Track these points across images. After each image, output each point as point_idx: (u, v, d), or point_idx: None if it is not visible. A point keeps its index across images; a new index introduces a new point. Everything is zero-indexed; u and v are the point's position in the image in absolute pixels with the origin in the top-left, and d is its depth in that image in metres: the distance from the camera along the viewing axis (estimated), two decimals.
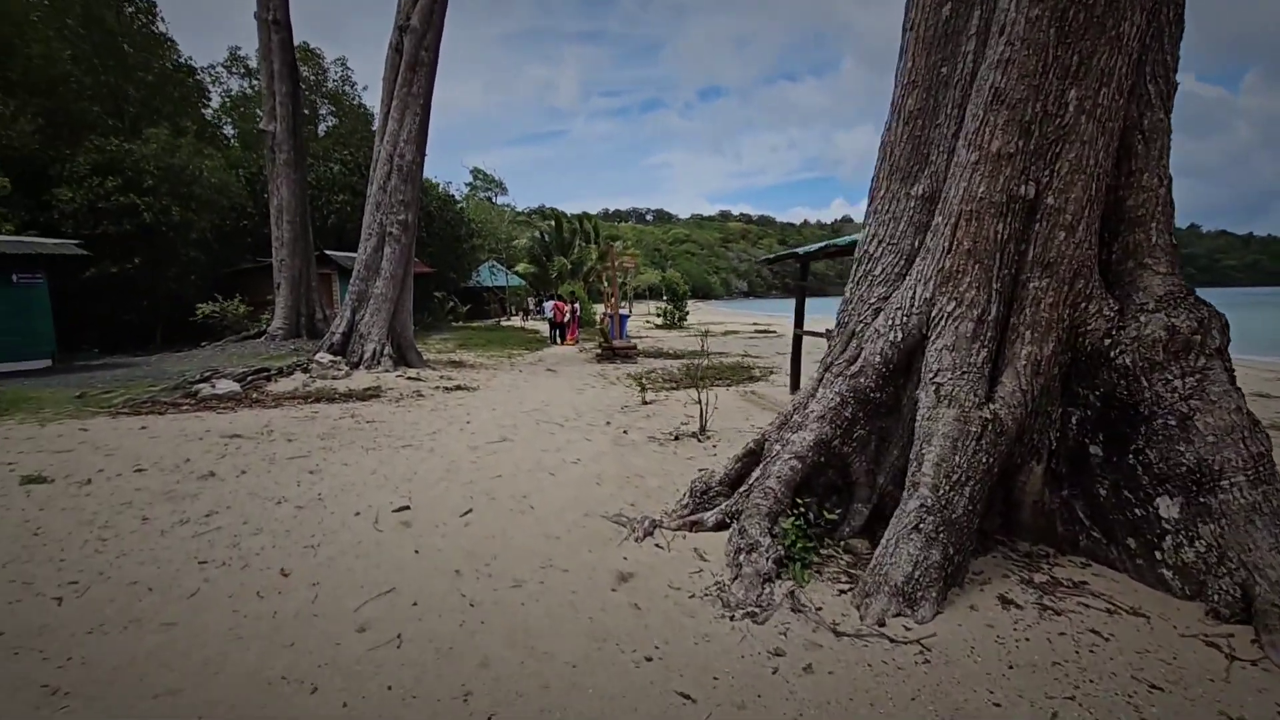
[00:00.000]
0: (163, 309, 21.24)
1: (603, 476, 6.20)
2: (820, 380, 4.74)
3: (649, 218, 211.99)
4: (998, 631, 3.34)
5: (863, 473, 4.59)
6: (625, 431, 8.27)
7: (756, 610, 3.59)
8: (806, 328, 10.67)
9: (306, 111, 34.27)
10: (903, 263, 4.55)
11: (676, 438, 7.72)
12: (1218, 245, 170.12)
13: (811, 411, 4.56)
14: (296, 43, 20.57)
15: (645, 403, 10.34)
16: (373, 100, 37.42)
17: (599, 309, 34.41)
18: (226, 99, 35.96)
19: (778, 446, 4.62)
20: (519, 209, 70.36)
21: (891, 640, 3.26)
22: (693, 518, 4.85)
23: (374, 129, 15.08)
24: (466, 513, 5.21)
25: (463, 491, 5.76)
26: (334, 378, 12.28)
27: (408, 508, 5.31)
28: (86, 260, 17.27)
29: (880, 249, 4.66)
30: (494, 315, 38.76)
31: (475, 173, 62.80)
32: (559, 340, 23.79)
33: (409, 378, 12.72)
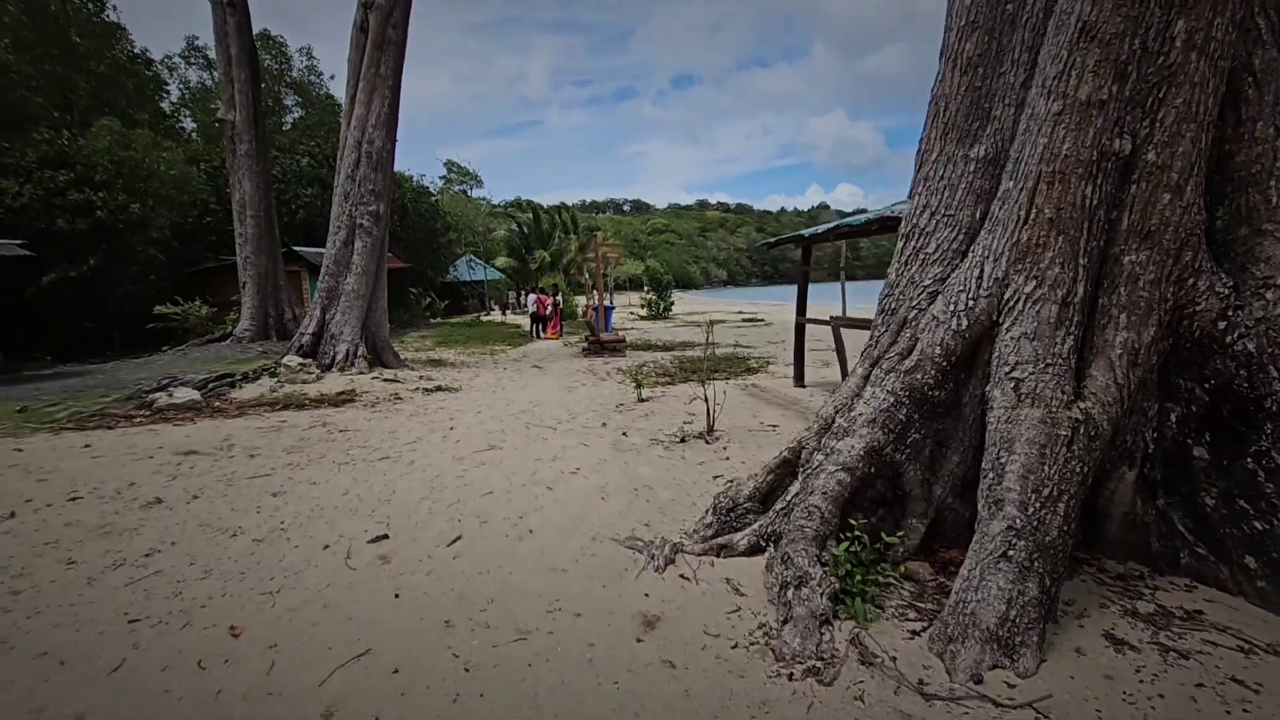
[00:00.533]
0: (121, 312, 20.04)
1: (607, 489, 5.50)
2: (867, 378, 4.08)
3: (626, 208, 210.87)
4: (1121, 685, 2.71)
5: (917, 483, 3.95)
6: (625, 434, 7.57)
7: (819, 664, 2.93)
8: (805, 315, 10.06)
9: (270, 102, 32.91)
10: (961, 237, 3.90)
11: (682, 439, 7.05)
12: None
13: (860, 415, 3.90)
14: (256, 30, 19.41)
15: (641, 400, 9.66)
16: (341, 89, 36.10)
17: (580, 301, 33.64)
18: (185, 91, 34.39)
19: (820, 456, 3.96)
20: (495, 202, 68.90)
21: (996, 704, 2.62)
22: (720, 540, 4.18)
23: (342, 118, 14.11)
24: (455, 541, 4.48)
25: (449, 514, 5.02)
26: (304, 382, 11.41)
27: (385, 537, 4.58)
28: (39, 264, 16.13)
29: (933, 222, 4.00)
30: (473, 311, 37.77)
31: (449, 165, 61.52)
32: (541, 334, 23.00)
33: (385, 379, 11.89)
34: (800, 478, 4.04)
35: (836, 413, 4.13)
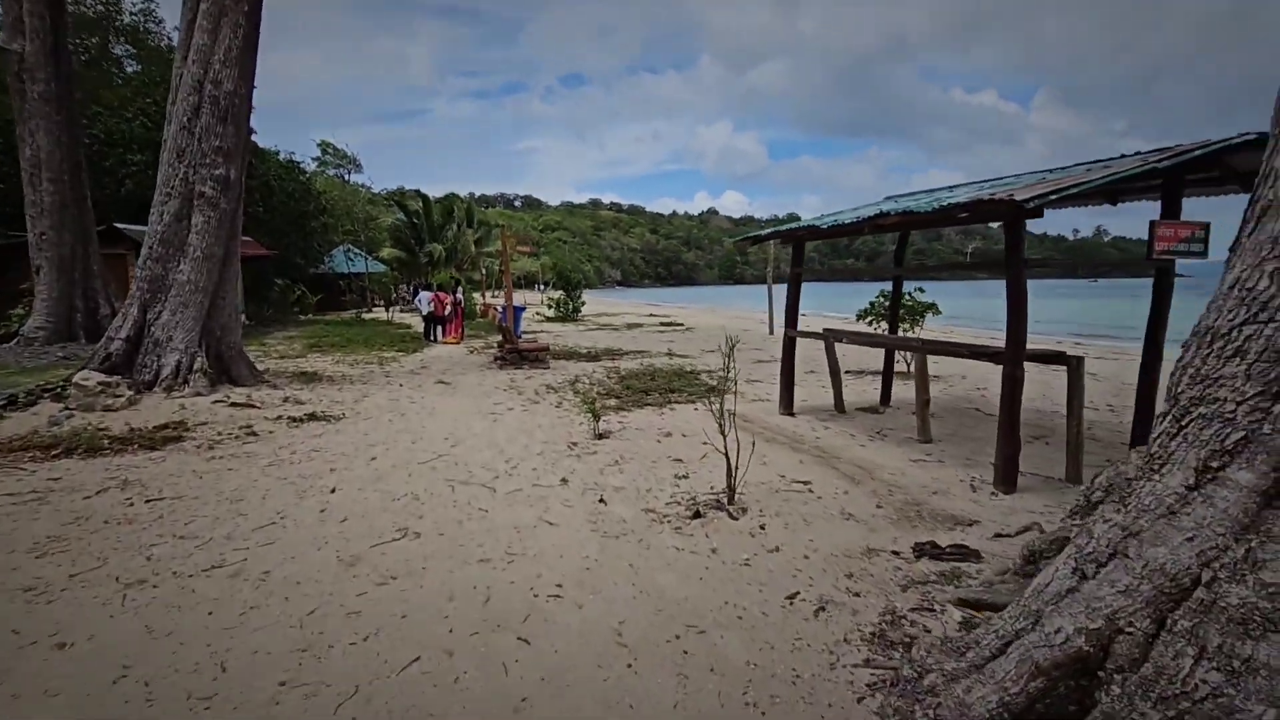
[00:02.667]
0: None
1: (627, 637, 3.20)
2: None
3: (518, 204, 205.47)
4: None
5: None
6: (602, 499, 5.25)
7: None
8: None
9: (90, 51, 27.08)
10: None
11: (697, 514, 4.83)
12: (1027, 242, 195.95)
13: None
14: None
15: (599, 436, 7.34)
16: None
17: (477, 298, 30.44)
18: None
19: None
20: (376, 190, 62.90)
21: None
22: None
23: (177, 50, 10.58)
24: None
25: None
26: (108, 409, 8.05)
27: None
28: None
29: None
30: (353, 307, 33.32)
31: (324, 146, 55.14)
32: (437, 337, 19.86)
33: (235, 403, 8.73)
34: None
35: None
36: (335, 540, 4.41)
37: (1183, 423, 2.21)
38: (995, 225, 5.63)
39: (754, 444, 5.82)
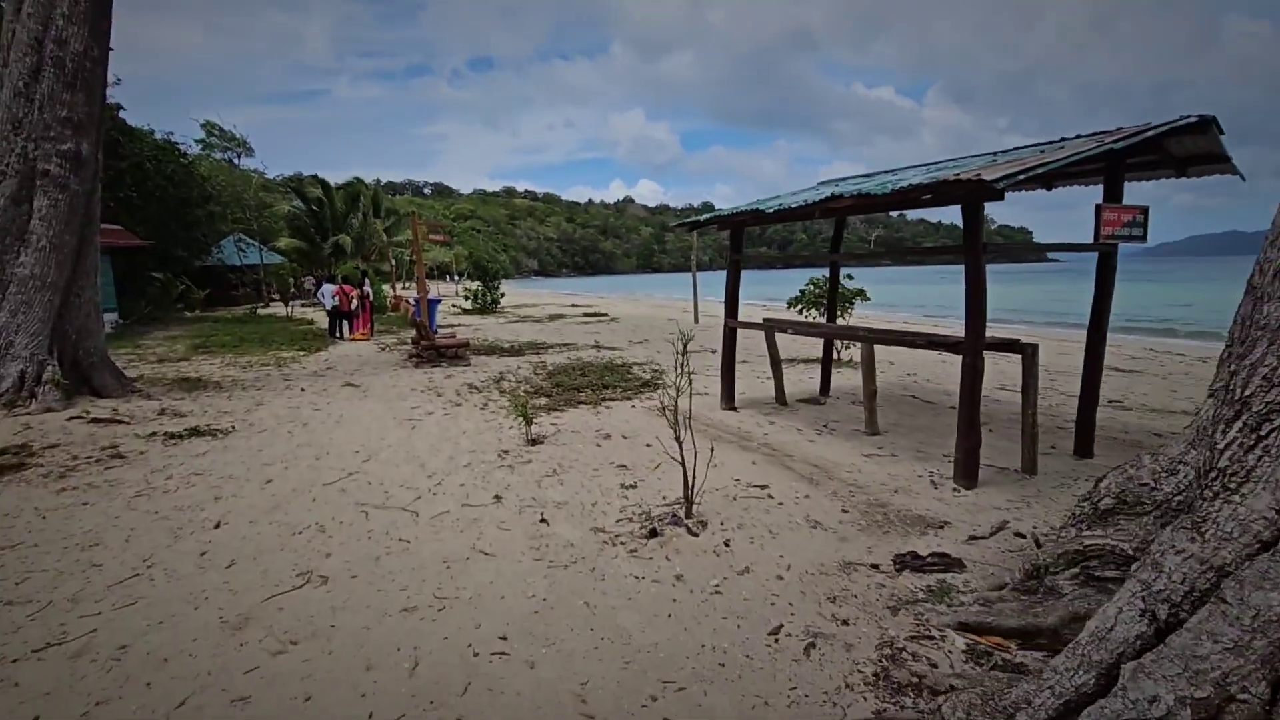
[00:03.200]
0: None
1: (592, 699, 2.64)
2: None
3: (427, 191, 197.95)
4: None
5: None
6: (543, 519, 4.64)
7: None
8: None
9: None
10: None
11: (653, 532, 4.30)
12: (919, 230, 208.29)
13: None
14: None
15: (533, 442, 6.68)
16: None
17: (387, 291, 28.63)
18: None
19: None
20: (271, 175, 58.07)
21: None
22: None
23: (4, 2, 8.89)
24: None
25: None
26: None
27: None
28: None
29: None
30: (247, 301, 30.57)
31: (209, 127, 50.34)
32: (344, 334, 18.37)
33: (96, 419, 7.44)
34: None
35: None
36: (218, 594, 3.59)
37: (1262, 432, 1.89)
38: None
39: (712, 450, 5.35)
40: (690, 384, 4.52)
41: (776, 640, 3.08)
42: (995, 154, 5.88)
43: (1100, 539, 2.82)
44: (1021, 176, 4.22)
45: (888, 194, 4.87)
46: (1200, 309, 29.29)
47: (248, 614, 3.36)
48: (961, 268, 4.86)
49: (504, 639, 3.10)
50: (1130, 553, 2.71)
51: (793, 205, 5.98)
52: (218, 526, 4.57)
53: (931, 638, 3.05)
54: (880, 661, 2.88)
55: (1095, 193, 5.90)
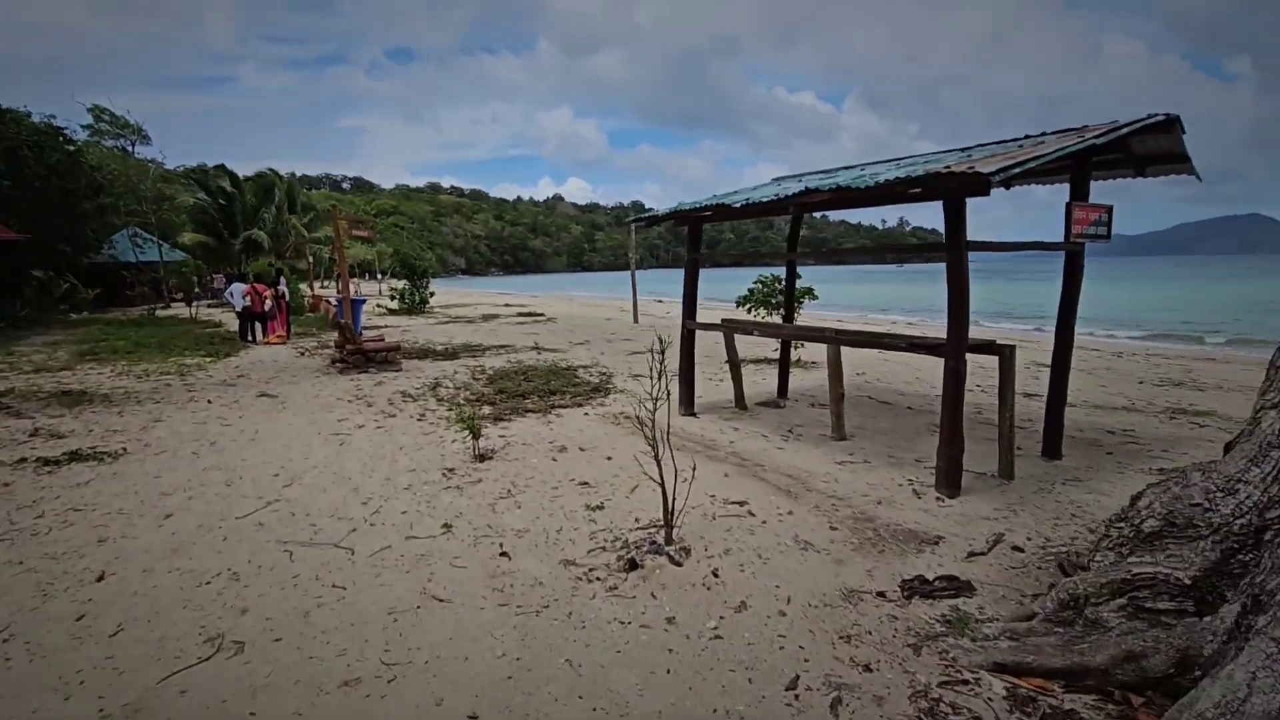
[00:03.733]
0: None
1: None
2: None
3: (346, 186, 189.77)
4: None
5: None
6: (504, 552, 4.06)
7: None
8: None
9: None
10: None
11: (633, 564, 3.80)
12: (839, 231, 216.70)
13: None
14: None
15: (481, 458, 6.06)
16: None
17: (304, 290, 26.79)
18: None
19: None
20: (170, 166, 53.56)
21: None
22: None
23: None
24: None
25: None
26: None
27: None
28: None
29: None
30: (144, 302, 27.89)
31: (98, 113, 45.86)
32: (256, 337, 16.88)
33: None
34: None
35: None
36: (98, 675, 2.85)
37: None
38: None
39: (694, 468, 4.87)
40: (669, 395, 4.06)
41: (797, 696, 2.66)
42: (968, 148, 5.72)
43: (1150, 567, 2.55)
44: (1016, 170, 4.00)
45: (871, 188, 4.56)
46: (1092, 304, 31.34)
47: (137, 703, 2.66)
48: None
49: (474, 718, 2.54)
50: (1188, 583, 2.44)
51: (762, 200, 5.61)
52: (101, 579, 3.76)
53: (966, 682, 2.71)
54: (918, 717, 2.51)
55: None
